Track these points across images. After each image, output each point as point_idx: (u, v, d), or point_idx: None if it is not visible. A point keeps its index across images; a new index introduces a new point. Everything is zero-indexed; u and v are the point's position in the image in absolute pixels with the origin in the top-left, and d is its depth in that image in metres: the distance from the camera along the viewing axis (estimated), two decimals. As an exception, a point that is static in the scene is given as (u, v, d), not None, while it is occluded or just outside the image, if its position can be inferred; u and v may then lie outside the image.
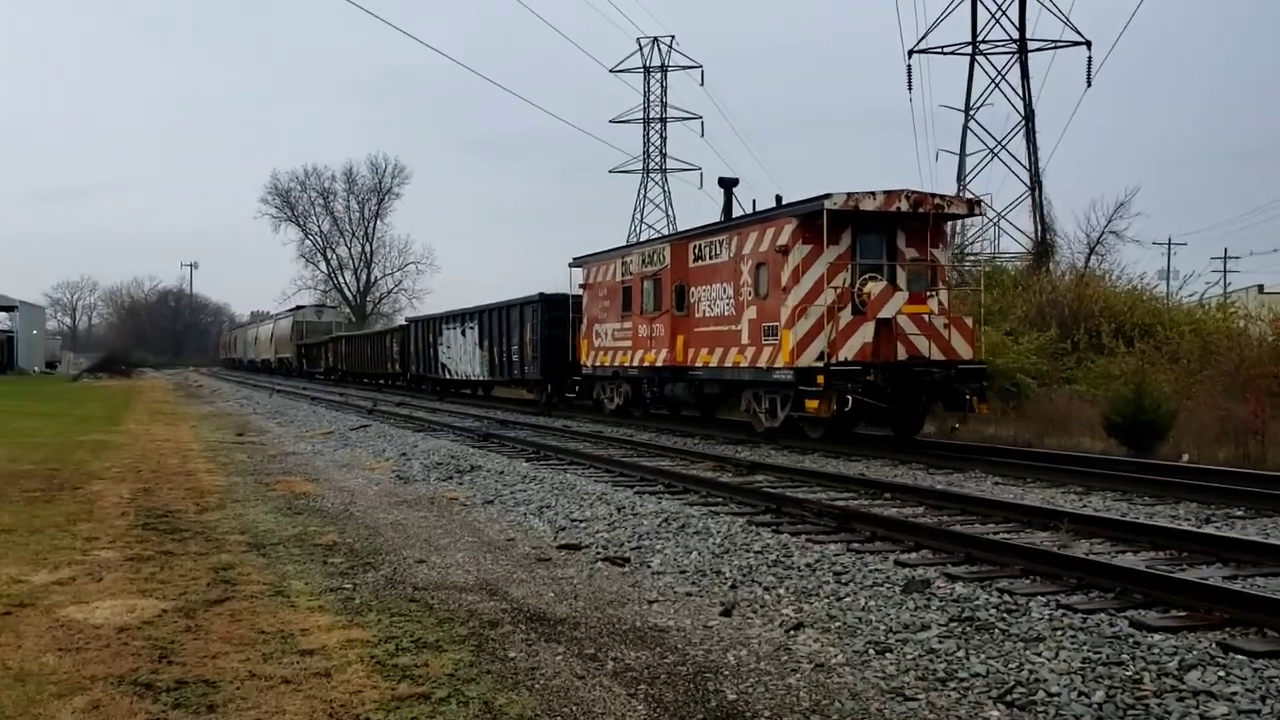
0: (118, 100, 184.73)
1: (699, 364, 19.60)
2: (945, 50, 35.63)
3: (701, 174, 66.60)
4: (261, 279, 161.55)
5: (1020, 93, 34.26)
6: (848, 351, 15.92)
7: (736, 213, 20.87)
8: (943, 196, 16.66)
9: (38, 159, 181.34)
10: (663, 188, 65.00)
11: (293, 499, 11.36)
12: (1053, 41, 34.83)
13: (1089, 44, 34.20)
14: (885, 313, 16.01)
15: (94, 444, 17.41)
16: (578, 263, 25.55)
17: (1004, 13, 34.93)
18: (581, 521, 9.71)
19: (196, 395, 39.77)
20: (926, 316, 16.30)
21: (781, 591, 7.17)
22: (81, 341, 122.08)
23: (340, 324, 66.04)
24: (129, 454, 15.82)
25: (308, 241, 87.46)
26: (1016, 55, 34.63)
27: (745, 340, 17.99)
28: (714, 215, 20.19)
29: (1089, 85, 34.34)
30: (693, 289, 20.00)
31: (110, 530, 9.23)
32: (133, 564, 7.87)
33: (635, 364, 21.94)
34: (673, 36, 69.08)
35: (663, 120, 63.62)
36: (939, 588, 7.07)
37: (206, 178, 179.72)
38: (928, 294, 16.39)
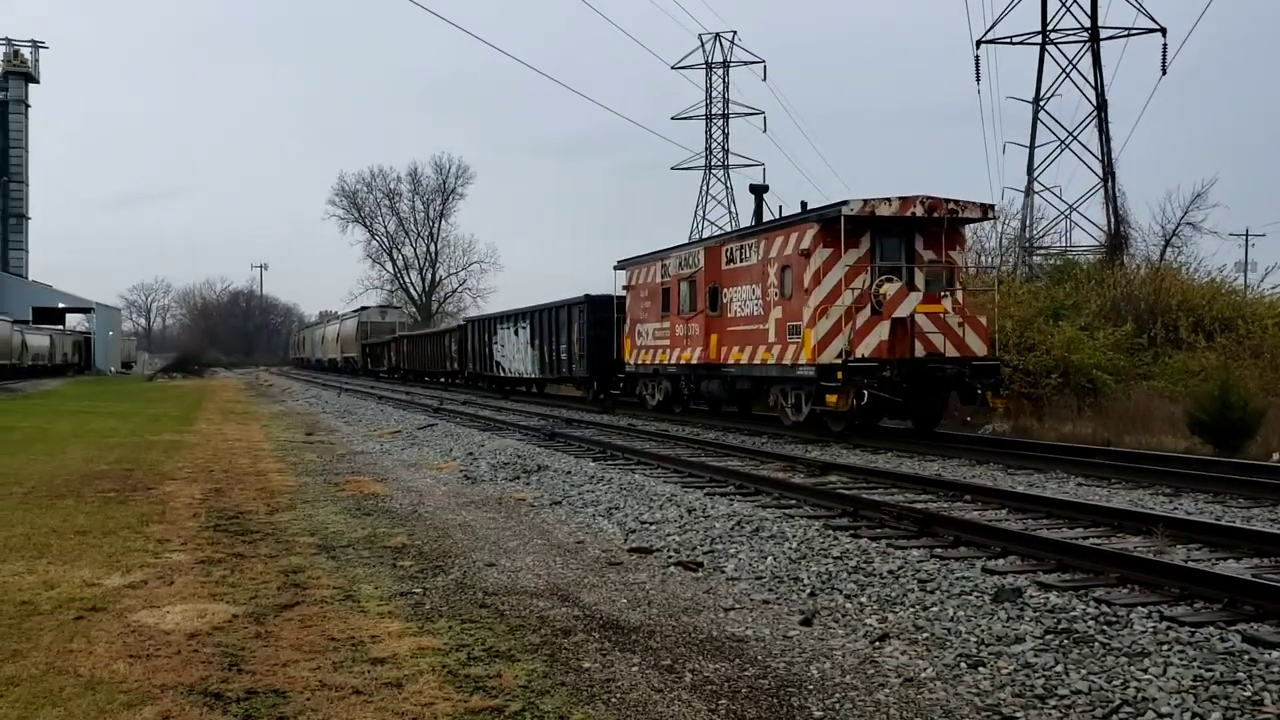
0: (189, 104, 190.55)
1: (731, 361, 20.70)
2: (1014, 40, 34.33)
3: (764, 169, 67.12)
4: (330, 280, 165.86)
5: (1092, 82, 33.00)
6: (865, 349, 16.93)
7: (766, 218, 21.92)
8: (956, 202, 17.57)
9: (114, 163, 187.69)
10: (725, 183, 65.72)
11: (361, 499, 11.25)
12: (1126, 29, 33.48)
13: (1164, 31, 32.69)
14: (901, 312, 16.98)
15: (167, 444, 17.34)
16: (621, 265, 26.78)
17: (1075, 1, 33.71)
18: (652, 524, 9.47)
19: (267, 394, 40.72)
20: (941, 315, 17.22)
21: (864, 600, 6.88)
22: (156, 342, 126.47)
23: (404, 324, 67.87)
24: (201, 454, 15.73)
25: (374, 242, 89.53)
26: (1088, 44, 33.30)
27: (772, 339, 19.07)
28: (776, 212, 21.20)
29: (1164, 73, 32.82)
30: (725, 290, 21.11)
31: (182, 532, 9.12)
32: (204, 567, 7.76)
33: (674, 362, 23.12)
34: (734, 32, 69.32)
35: (725, 116, 63.90)
36: (1031, 597, 6.69)
37: (278, 181, 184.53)
38: (942, 294, 17.29)
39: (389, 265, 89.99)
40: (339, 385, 45.63)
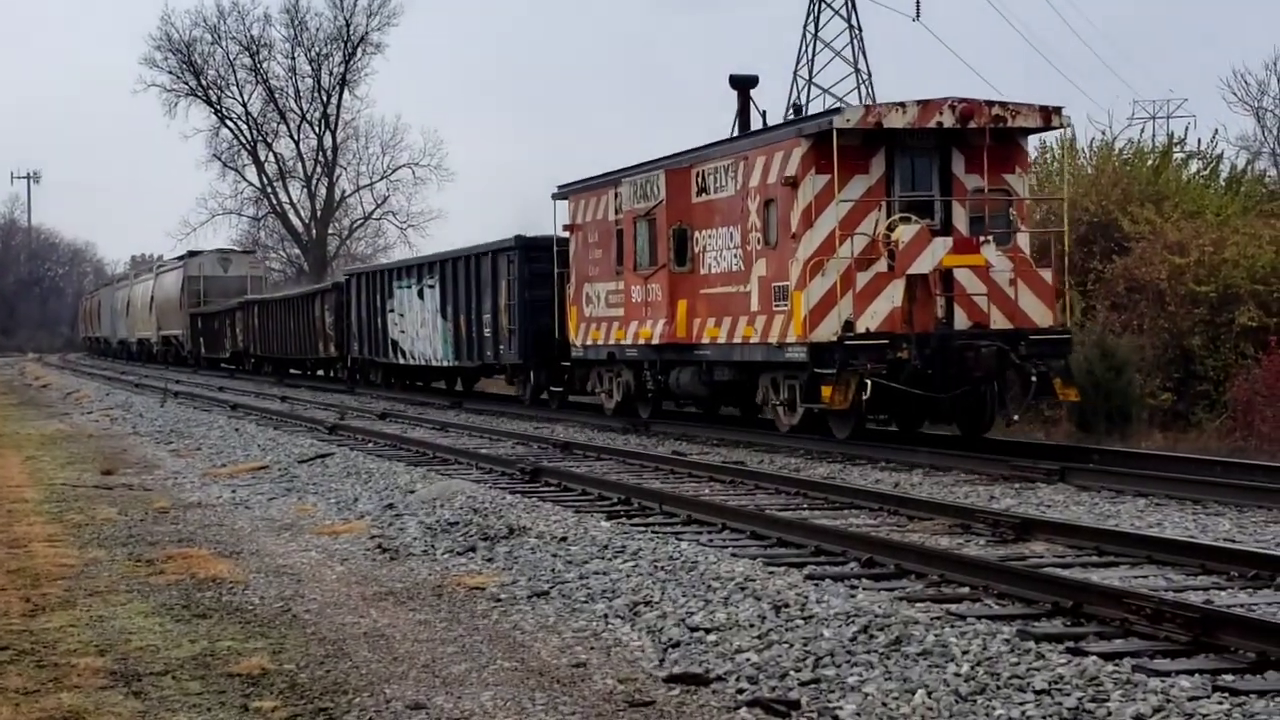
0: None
1: (706, 340, 24.05)
2: None
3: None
4: (153, 201, 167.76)
5: None
6: (870, 320, 20.20)
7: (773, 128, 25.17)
8: (1004, 105, 20.78)
9: None
10: (848, 18, 66.92)
11: (194, 589, 11.39)
12: None
13: None
14: (920, 266, 20.20)
15: None
16: (562, 194, 30.19)
17: None
18: (709, 631, 9.39)
19: (37, 403, 40.88)
20: (985, 269, 20.42)
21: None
22: None
23: (261, 280, 70.98)
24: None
25: (226, 130, 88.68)
26: None
27: (755, 306, 22.38)
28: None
29: None
30: (697, 234, 24.44)
31: None
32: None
33: (631, 341, 26.52)
34: None
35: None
36: None
37: (55, 22, 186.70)
38: (982, 239, 20.45)
39: (252, 173, 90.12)
40: (161, 385, 45.79)
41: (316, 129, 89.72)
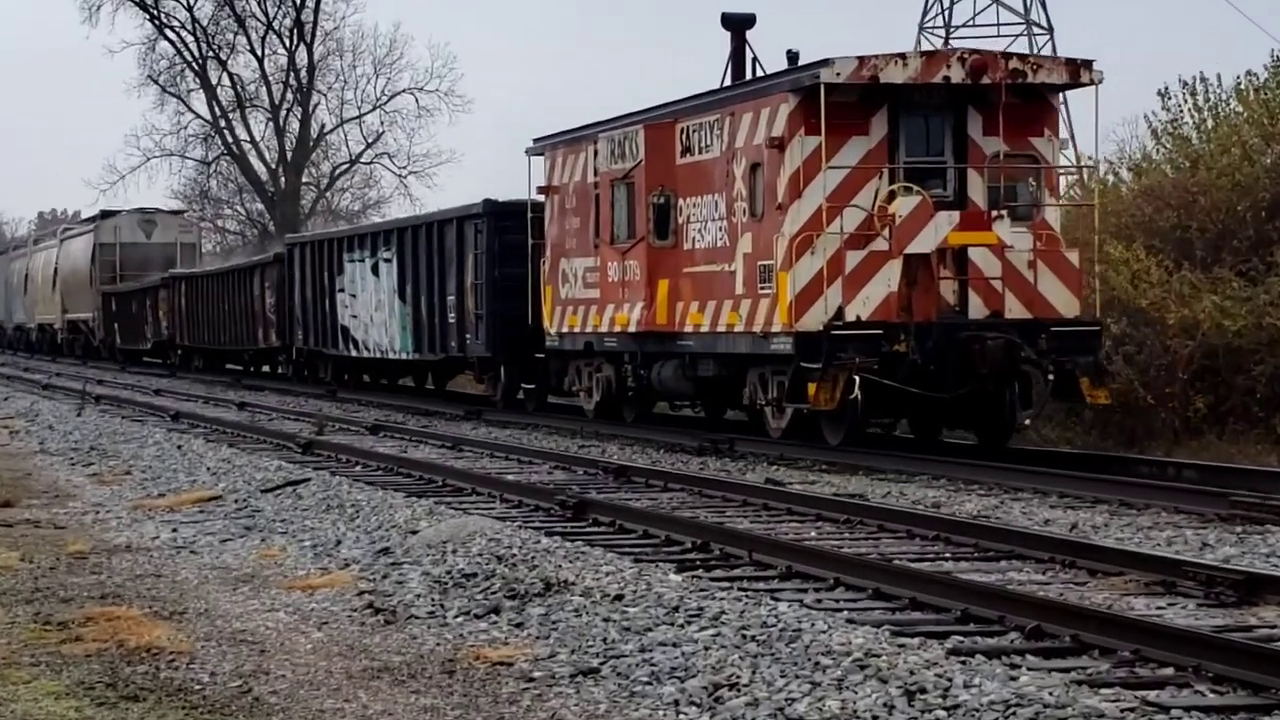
0: None
1: (689, 328, 27.02)
2: None
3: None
4: (69, 141, 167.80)
5: None
6: (861, 306, 23.13)
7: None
8: (1023, 58, 23.77)
9: None
10: None
11: (122, 662, 11.36)
12: None
13: None
14: (920, 245, 23.09)
15: None
16: (539, 149, 33.25)
17: None
18: None
19: None
20: (999, 249, 23.32)
21: None
22: None
23: (193, 248, 72.30)
24: None
25: (165, 42, 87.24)
26: None
27: (740, 289, 25.32)
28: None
29: None
30: (681, 202, 27.43)
31: None
32: None
33: (608, 329, 29.54)
34: None
35: None
36: None
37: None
38: (994, 214, 23.30)
39: (200, 102, 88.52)
40: (78, 387, 45.32)
41: (287, 42, 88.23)
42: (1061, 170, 26.47)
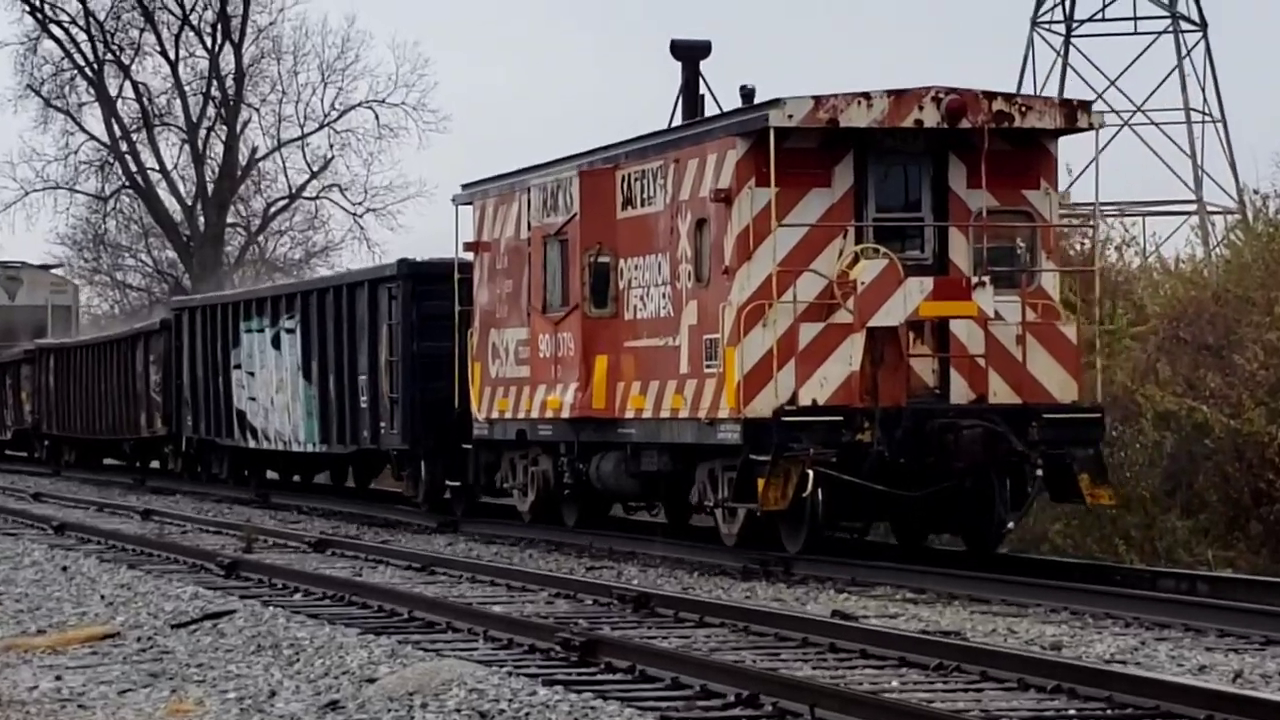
0: None
1: (630, 413, 28.15)
2: None
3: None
4: None
5: None
6: (817, 389, 24.31)
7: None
8: (1009, 98, 24.94)
9: None
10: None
11: None
12: None
13: None
14: (886, 316, 24.20)
15: None
16: (467, 198, 34.51)
17: None
18: None
19: None
20: (980, 323, 24.44)
21: None
22: None
23: (68, 312, 72.23)
24: None
25: (50, 41, 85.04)
26: None
27: (685, 367, 26.50)
28: None
29: None
30: (622, 264, 28.65)
31: None
32: None
33: (540, 415, 30.66)
34: None
35: None
36: None
37: None
38: (975, 280, 24.40)
39: (97, 120, 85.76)
40: None
41: (208, 41, 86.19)
42: (1061, 228, 27.41)
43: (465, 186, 34.28)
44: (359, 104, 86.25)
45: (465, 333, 34.03)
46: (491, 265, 33.05)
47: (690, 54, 30.58)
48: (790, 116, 24.42)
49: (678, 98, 30.58)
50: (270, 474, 48.19)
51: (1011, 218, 25.43)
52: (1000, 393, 24.62)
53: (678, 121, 30.07)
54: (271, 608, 21.79)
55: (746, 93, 26.91)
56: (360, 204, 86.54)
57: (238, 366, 44.30)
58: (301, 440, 40.95)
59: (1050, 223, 25.97)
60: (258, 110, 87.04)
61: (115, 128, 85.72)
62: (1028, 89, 68.08)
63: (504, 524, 33.33)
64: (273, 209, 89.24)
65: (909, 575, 23.96)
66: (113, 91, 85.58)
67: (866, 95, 24.66)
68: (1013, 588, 22.32)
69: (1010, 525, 25.08)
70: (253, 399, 43.49)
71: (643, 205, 28.09)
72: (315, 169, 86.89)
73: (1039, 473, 24.13)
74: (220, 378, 45.39)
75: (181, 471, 49.67)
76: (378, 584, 24.75)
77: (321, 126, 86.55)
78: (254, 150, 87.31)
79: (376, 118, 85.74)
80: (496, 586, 24.68)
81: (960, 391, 24.69)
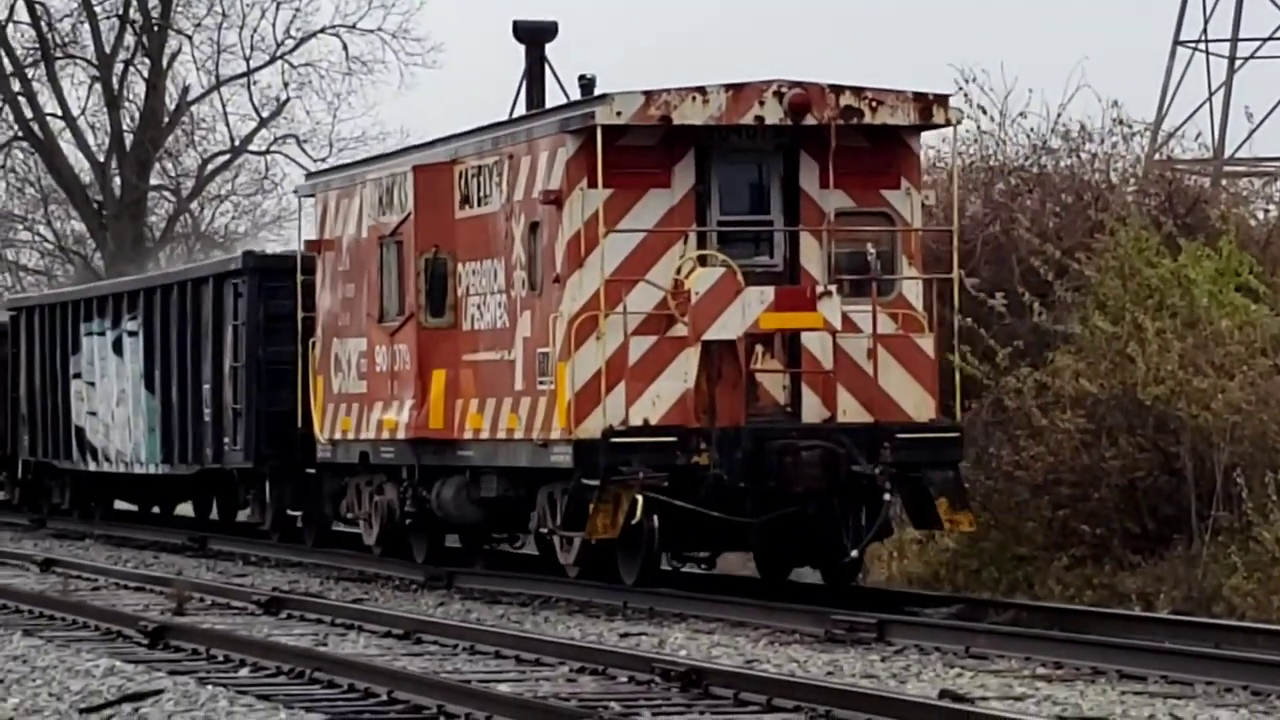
0: None
1: (469, 434, 28.63)
2: None
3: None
4: None
5: None
6: (649, 407, 24.83)
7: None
8: (859, 92, 25.35)
9: None
10: None
11: None
12: None
13: None
14: (723, 329, 24.77)
15: None
16: (310, 189, 34.93)
17: None
18: None
19: None
20: (828, 335, 24.88)
21: None
22: None
23: None
24: None
25: None
26: None
27: (519, 383, 27.04)
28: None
29: None
30: (460, 268, 29.14)
31: None
32: None
33: (375, 434, 31.02)
34: None
35: None
36: None
37: None
38: (821, 289, 24.78)
39: None
40: None
41: None
42: (925, 230, 27.70)
43: (308, 176, 34.65)
44: (322, 29, 77.14)
45: (309, 341, 33.96)
46: (334, 266, 33.33)
47: (534, 36, 30.83)
48: (619, 114, 24.93)
49: (519, 86, 30.89)
50: (127, 505, 47.30)
51: (869, 220, 25.80)
52: (850, 410, 25.12)
53: (520, 112, 30.15)
54: (210, 687, 18.35)
55: (585, 83, 27.04)
56: (323, 160, 71.81)
57: (77, 375, 43.82)
58: (143, 460, 40.47)
59: (911, 226, 26.32)
60: (190, 38, 78.13)
61: (4, 61, 77.10)
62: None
63: (506, 578, 29.98)
64: (210, 167, 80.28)
65: (1039, 644, 20.98)
66: (2, 15, 77.24)
67: (702, 90, 25.14)
68: (1175, 660, 19.45)
69: (854, 554, 25.14)
70: (92, 413, 42.91)
71: (480, 205, 28.62)
72: (265, 115, 78.52)
73: (886, 497, 24.35)
74: (59, 390, 44.71)
75: (20, 502, 48.56)
76: (348, 656, 21.19)
77: (273, 59, 78.11)
78: (185, 90, 78.50)
79: (345, 48, 76.95)
80: (504, 659, 21.18)
81: (813, 409, 25.15)
